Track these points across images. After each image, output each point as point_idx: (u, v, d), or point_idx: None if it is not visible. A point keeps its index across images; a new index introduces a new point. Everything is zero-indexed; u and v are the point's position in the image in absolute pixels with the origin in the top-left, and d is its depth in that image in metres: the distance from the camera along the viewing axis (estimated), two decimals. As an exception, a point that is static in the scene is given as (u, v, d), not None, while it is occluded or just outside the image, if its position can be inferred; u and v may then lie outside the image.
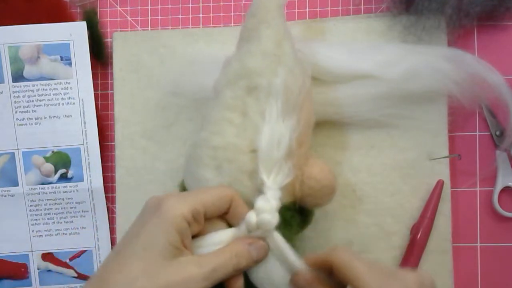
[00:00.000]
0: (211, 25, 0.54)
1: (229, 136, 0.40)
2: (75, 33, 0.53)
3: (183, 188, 0.43)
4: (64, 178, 0.53)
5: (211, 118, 0.41)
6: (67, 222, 0.53)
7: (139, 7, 0.55)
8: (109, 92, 0.55)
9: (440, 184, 0.48)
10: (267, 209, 0.37)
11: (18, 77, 0.53)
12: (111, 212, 0.54)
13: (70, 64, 0.53)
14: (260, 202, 0.37)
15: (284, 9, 0.43)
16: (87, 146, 0.53)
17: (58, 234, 0.53)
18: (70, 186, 0.53)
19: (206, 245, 0.37)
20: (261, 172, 0.38)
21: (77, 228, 0.53)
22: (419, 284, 0.33)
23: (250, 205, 0.38)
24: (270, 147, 0.38)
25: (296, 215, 0.41)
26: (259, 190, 0.38)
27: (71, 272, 0.53)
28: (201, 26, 0.54)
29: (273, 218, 0.37)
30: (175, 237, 0.33)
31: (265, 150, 0.38)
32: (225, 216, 0.38)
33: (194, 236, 0.36)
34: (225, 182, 0.39)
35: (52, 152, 0.53)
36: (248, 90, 0.40)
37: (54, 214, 0.53)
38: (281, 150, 0.38)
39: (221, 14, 0.54)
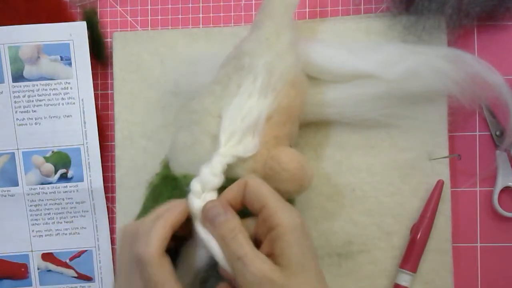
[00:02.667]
0: (211, 25, 0.54)
1: (206, 103, 0.42)
2: (75, 33, 0.53)
3: (166, 162, 0.45)
4: (64, 178, 0.53)
5: (202, 92, 0.44)
6: (67, 222, 0.53)
7: (139, 7, 0.55)
8: (109, 92, 0.55)
9: (440, 184, 0.48)
10: (207, 171, 0.38)
11: (18, 77, 0.53)
12: (111, 212, 0.54)
13: (70, 64, 0.53)
14: (203, 168, 0.38)
15: (294, 9, 0.45)
16: (87, 146, 0.53)
17: (58, 234, 0.53)
18: (70, 186, 0.53)
19: None
20: (220, 135, 0.39)
21: (77, 228, 0.53)
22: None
23: None
24: (234, 116, 0.40)
25: None
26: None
27: (71, 272, 0.53)
28: (201, 26, 0.54)
29: (214, 178, 0.38)
30: (163, 275, 0.34)
31: (229, 117, 0.40)
32: None
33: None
34: (189, 142, 0.42)
35: (52, 152, 0.53)
36: (236, 68, 0.42)
37: (54, 214, 0.53)
38: (246, 122, 0.39)
39: (221, 14, 0.54)
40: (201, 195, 0.38)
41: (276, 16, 0.44)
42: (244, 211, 0.37)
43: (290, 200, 0.41)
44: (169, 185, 0.42)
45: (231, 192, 0.38)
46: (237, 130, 0.39)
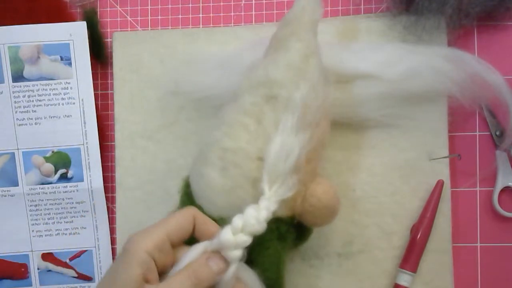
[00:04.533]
0: (211, 25, 0.54)
1: (241, 141, 0.40)
2: (75, 33, 0.53)
3: (186, 184, 0.43)
4: (64, 178, 0.53)
5: (227, 119, 0.41)
6: (67, 222, 0.53)
7: (139, 7, 0.55)
8: (109, 92, 0.55)
9: (440, 184, 0.48)
10: (254, 216, 0.36)
11: (18, 77, 0.53)
12: (111, 212, 0.54)
13: (70, 64, 0.53)
14: (249, 209, 0.36)
15: (317, 25, 0.42)
16: (87, 146, 0.53)
17: (58, 234, 0.53)
18: (70, 186, 0.53)
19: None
20: (264, 181, 0.37)
21: (77, 228, 0.53)
22: None
23: None
24: (277, 159, 0.38)
25: (292, 230, 0.41)
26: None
27: (71, 272, 0.53)
28: (201, 26, 0.54)
29: (257, 224, 0.36)
30: (136, 271, 0.35)
31: (272, 161, 0.38)
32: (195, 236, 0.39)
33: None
34: (227, 185, 0.40)
35: (52, 152, 0.53)
36: (267, 99, 0.40)
37: (54, 214, 0.53)
38: (289, 163, 0.37)
39: (221, 14, 0.54)
40: (237, 233, 0.36)
41: (303, 36, 0.41)
42: None
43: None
44: None
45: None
46: (281, 174, 0.38)
